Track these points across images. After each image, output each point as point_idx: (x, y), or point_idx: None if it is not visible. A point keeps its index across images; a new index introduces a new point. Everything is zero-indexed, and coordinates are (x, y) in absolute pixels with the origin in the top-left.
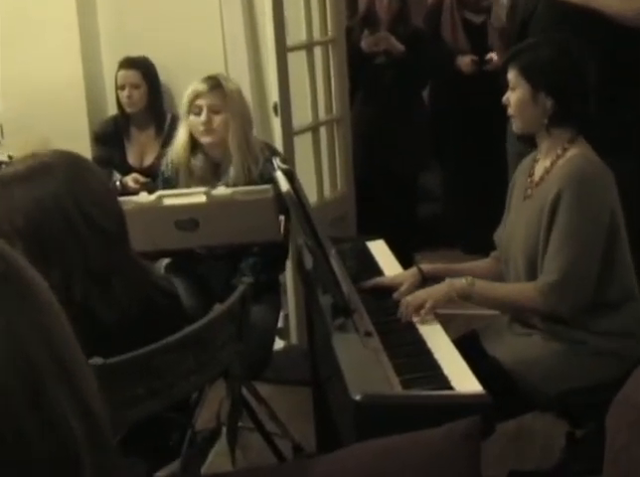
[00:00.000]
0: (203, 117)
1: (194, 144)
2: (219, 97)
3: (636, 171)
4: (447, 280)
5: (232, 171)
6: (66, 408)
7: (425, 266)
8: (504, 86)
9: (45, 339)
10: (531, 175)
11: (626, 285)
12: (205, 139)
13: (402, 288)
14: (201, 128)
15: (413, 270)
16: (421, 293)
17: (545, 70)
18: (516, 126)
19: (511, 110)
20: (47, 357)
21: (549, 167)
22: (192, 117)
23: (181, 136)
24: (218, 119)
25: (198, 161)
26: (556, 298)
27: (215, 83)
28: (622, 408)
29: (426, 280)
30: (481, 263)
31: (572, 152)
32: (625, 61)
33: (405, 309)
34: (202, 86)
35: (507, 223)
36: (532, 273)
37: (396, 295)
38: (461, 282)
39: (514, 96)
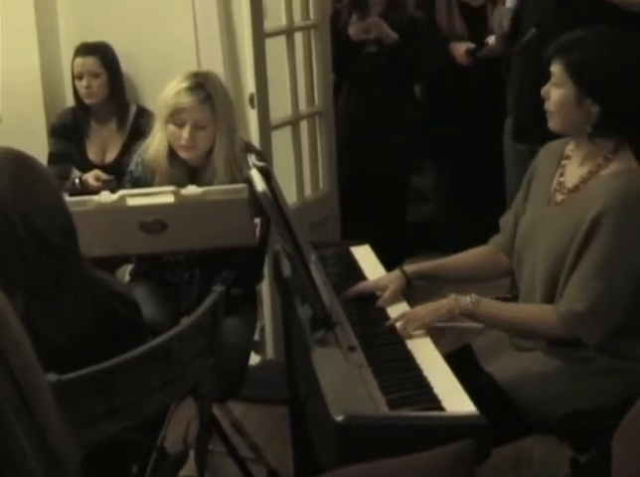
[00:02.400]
0: (186, 134)
1: (171, 150)
2: (206, 112)
3: None
4: (452, 296)
5: (215, 183)
6: (22, 440)
7: (409, 268)
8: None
9: (4, 365)
10: (561, 174)
11: None
12: (185, 155)
13: (387, 294)
14: (182, 143)
15: (397, 273)
16: (421, 309)
17: (595, 72)
18: (552, 124)
19: (550, 106)
20: (8, 386)
21: (586, 176)
22: (172, 128)
23: (159, 145)
24: (202, 135)
25: (175, 168)
26: (579, 329)
27: (204, 97)
28: (630, 432)
29: (411, 282)
30: (470, 254)
31: (617, 166)
32: None
33: (405, 328)
34: (188, 99)
35: (525, 222)
36: (550, 288)
37: (380, 302)
38: (466, 300)
39: (557, 93)
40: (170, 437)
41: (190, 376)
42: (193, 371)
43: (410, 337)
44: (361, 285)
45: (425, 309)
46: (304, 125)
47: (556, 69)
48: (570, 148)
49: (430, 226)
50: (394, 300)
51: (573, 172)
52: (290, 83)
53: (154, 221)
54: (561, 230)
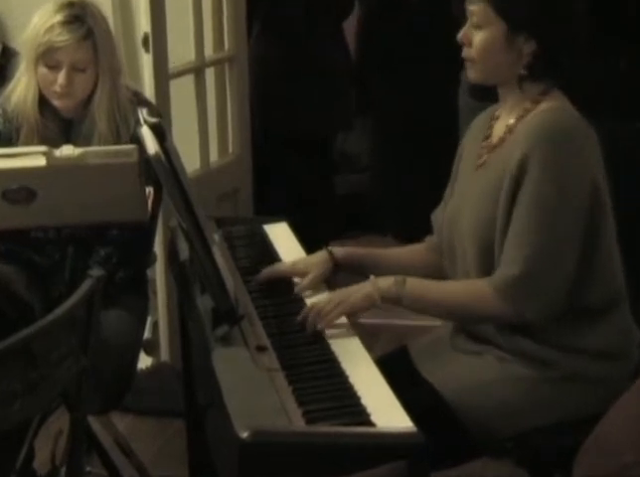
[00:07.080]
0: (62, 79)
1: (41, 98)
2: (86, 52)
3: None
4: (372, 278)
5: (95, 138)
6: None
7: (338, 250)
8: (458, 13)
9: None
10: (487, 137)
11: (612, 286)
12: (59, 103)
13: (307, 280)
14: (57, 89)
15: (323, 255)
16: (336, 296)
17: (529, 3)
18: (475, 74)
19: (472, 53)
20: None
21: (512, 124)
22: (43, 70)
23: (26, 91)
24: (81, 79)
25: (46, 119)
26: (518, 297)
27: (83, 32)
28: (595, 457)
29: (339, 269)
30: (412, 249)
31: (546, 105)
32: None
33: (313, 317)
34: (64, 36)
35: (453, 199)
36: (486, 265)
37: (298, 289)
38: (388, 282)
39: (480, 36)
40: (40, 456)
41: (58, 380)
42: (62, 374)
43: (329, 335)
44: (275, 268)
45: (338, 296)
46: (211, 74)
47: (475, 7)
48: (500, 108)
49: (364, 200)
50: (314, 288)
51: (501, 126)
52: (194, 22)
53: (20, 188)
54: (486, 192)
